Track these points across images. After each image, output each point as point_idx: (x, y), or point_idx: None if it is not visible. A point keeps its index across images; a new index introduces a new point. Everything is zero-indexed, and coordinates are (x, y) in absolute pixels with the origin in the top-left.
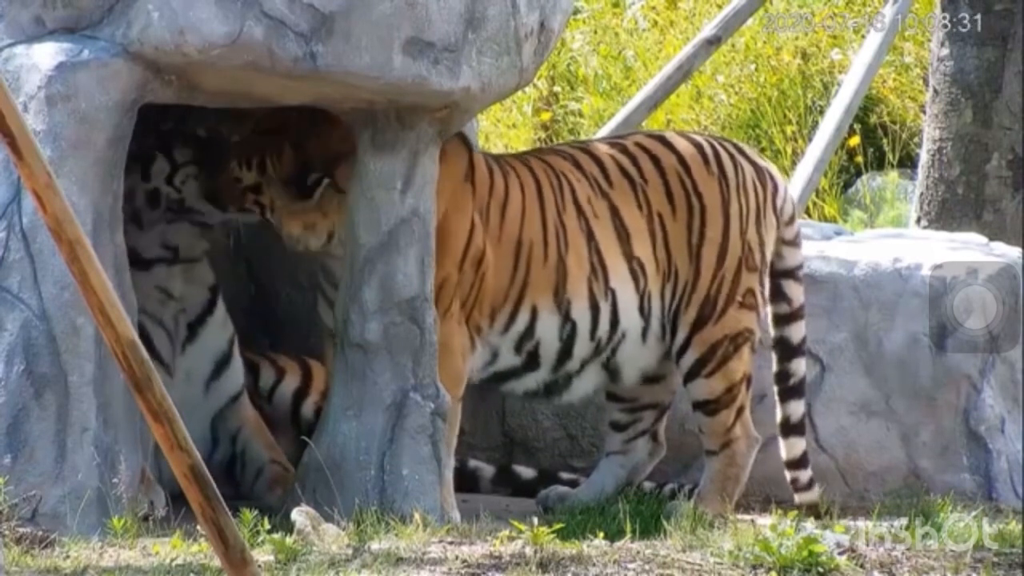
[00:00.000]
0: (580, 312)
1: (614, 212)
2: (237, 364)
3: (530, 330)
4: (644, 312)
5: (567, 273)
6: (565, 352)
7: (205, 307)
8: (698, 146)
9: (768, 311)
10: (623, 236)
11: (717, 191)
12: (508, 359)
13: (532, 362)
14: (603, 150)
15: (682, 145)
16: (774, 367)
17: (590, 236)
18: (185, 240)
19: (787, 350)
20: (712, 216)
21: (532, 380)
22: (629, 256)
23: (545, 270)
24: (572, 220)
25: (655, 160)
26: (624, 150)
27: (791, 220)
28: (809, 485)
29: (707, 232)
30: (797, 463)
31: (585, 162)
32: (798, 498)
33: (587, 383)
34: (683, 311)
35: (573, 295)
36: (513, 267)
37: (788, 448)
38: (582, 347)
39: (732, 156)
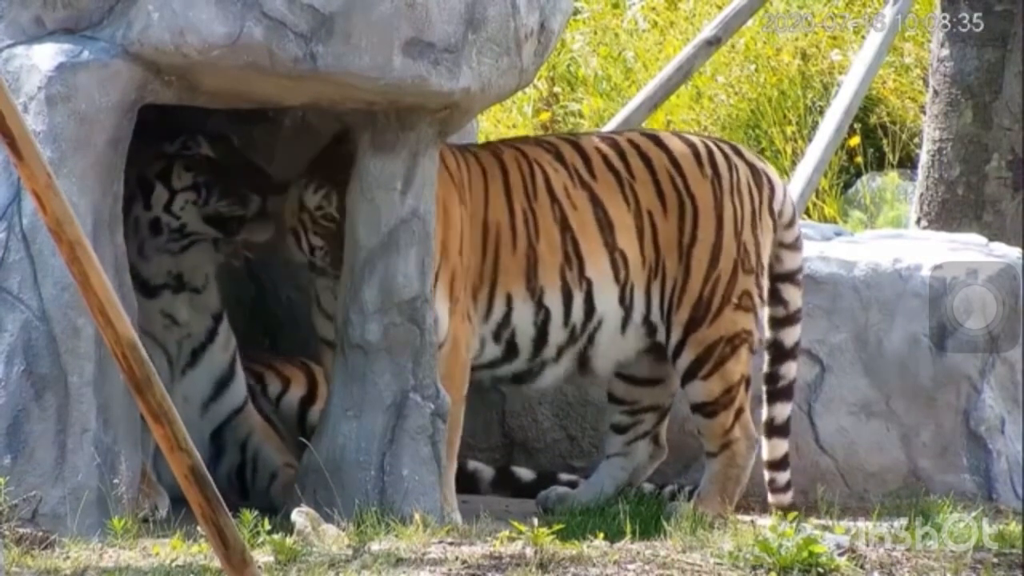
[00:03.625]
0: (552, 299)
1: (595, 203)
2: (238, 380)
3: (507, 318)
4: (625, 303)
5: (538, 260)
6: (540, 339)
7: (208, 334)
8: (692, 146)
9: (765, 314)
10: (604, 227)
11: (710, 192)
12: (491, 350)
13: (511, 351)
14: (591, 143)
15: (675, 145)
16: (765, 368)
17: (564, 225)
18: (190, 266)
19: (780, 353)
20: (704, 217)
21: (507, 369)
22: (611, 247)
23: (515, 256)
24: (544, 208)
25: (645, 158)
26: (614, 145)
27: (791, 223)
28: (786, 488)
29: (699, 233)
30: (777, 464)
31: (568, 153)
32: (772, 499)
33: (559, 370)
34: (675, 311)
35: (545, 282)
36: (482, 250)
37: (770, 449)
38: (556, 333)
39: (727, 157)
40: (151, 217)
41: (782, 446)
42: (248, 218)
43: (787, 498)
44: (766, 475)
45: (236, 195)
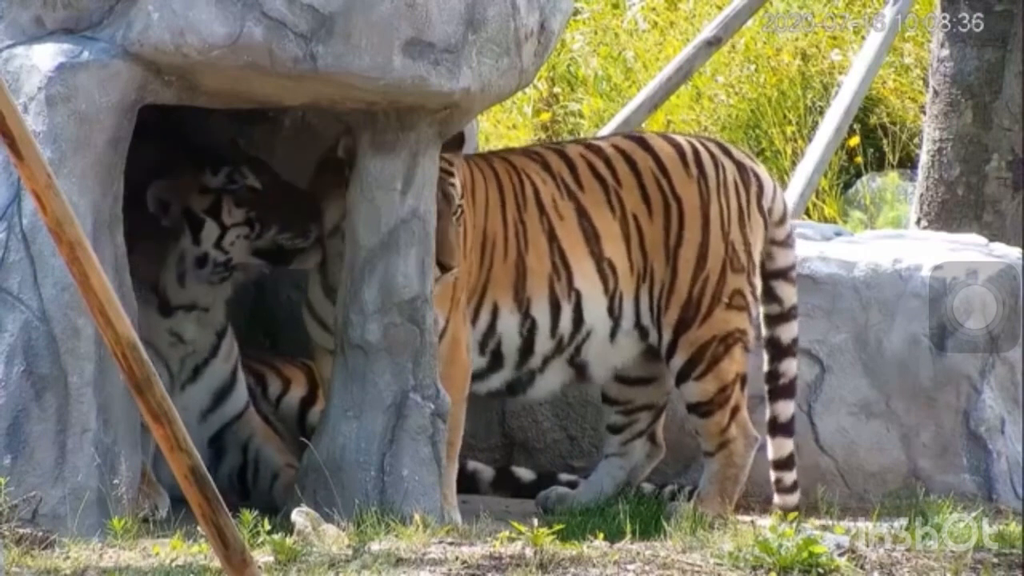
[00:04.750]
0: (540, 310)
1: (582, 213)
2: (239, 388)
3: (492, 328)
4: (613, 313)
5: (527, 271)
6: (526, 348)
7: (211, 350)
8: (677, 147)
9: (760, 312)
10: (591, 237)
11: (696, 192)
12: (475, 360)
13: (496, 362)
14: (576, 152)
15: (660, 146)
16: (764, 367)
17: (552, 236)
18: (205, 293)
19: (778, 350)
20: (691, 217)
21: (497, 380)
22: (598, 257)
23: (505, 266)
24: (533, 219)
25: (631, 162)
26: (599, 152)
27: (781, 220)
28: (792, 488)
29: (685, 233)
30: (783, 464)
31: (554, 163)
32: (778, 499)
33: (552, 380)
34: (664, 312)
35: (533, 293)
36: (480, 259)
37: (775, 448)
38: (543, 344)
39: (713, 156)
40: (200, 252)
41: (787, 445)
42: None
43: (793, 499)
44: (772, 475)
45: (298, 227)
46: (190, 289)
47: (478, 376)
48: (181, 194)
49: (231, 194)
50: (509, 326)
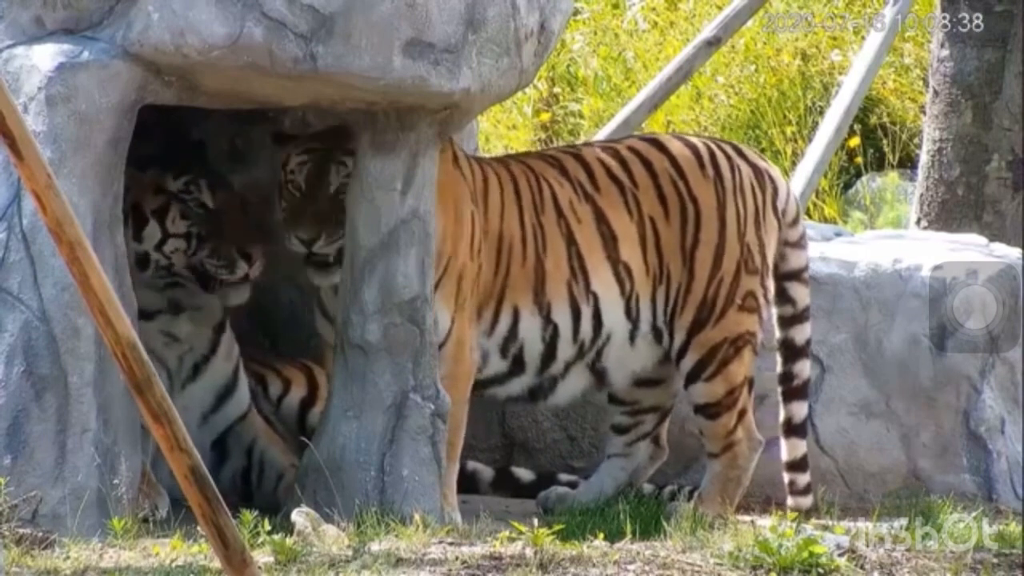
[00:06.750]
0: (560, 314)
1: (599, 216)
2: (241, 388)
3: (513, 332)
4: (631, 315)
5: (545, 275)
6: (549, 355)
7: (210, 347)
8: (693, 149)
9: (773, 313)
10: (608, 240)
11: (712, 194)
12: (496, 364)
13: (518, 366)
14: (593, 155)
15: (677, 148)
16: (778, 368)
17: (570, 240)
18: (184, 294)
19: (791, 352)
20: (707, 219)
21: (517, 385)
22: (615, 260)
23: (524, 270)
24: (551, 223)
25: (647, 164)
26: (616, 154)
27: (795, 222)
28: (805, 490)
29: (702, 235)
30: (796, 465)
31: (571, 166)
32: (792, 501)
33: (573, 386)
34: (679, 314)
35: (553, 297)
36: (495, 263)
37: (789, 449)
38: (565, 349)
39: (729, 158)
40: (140, 251)
41: (800, 446)
42: (230, 282)
43: (807, 501)
44: (785, 477)
45: (226, 257)
46: (141, 293)
47: (498, 380)
48: (138, 186)
49: (182, 203)
50: (531, 331)
